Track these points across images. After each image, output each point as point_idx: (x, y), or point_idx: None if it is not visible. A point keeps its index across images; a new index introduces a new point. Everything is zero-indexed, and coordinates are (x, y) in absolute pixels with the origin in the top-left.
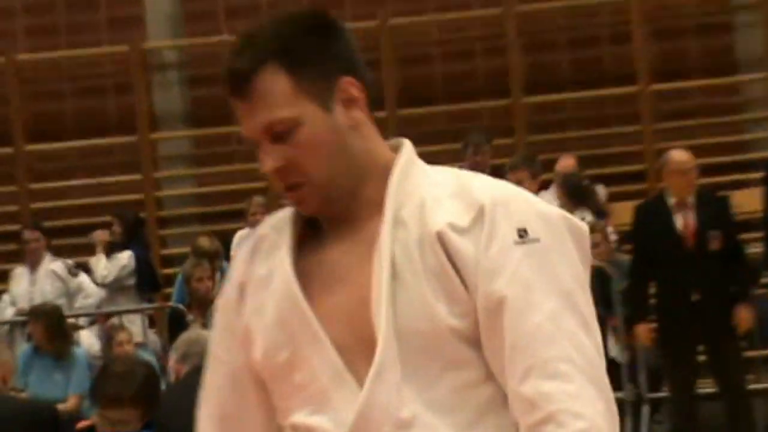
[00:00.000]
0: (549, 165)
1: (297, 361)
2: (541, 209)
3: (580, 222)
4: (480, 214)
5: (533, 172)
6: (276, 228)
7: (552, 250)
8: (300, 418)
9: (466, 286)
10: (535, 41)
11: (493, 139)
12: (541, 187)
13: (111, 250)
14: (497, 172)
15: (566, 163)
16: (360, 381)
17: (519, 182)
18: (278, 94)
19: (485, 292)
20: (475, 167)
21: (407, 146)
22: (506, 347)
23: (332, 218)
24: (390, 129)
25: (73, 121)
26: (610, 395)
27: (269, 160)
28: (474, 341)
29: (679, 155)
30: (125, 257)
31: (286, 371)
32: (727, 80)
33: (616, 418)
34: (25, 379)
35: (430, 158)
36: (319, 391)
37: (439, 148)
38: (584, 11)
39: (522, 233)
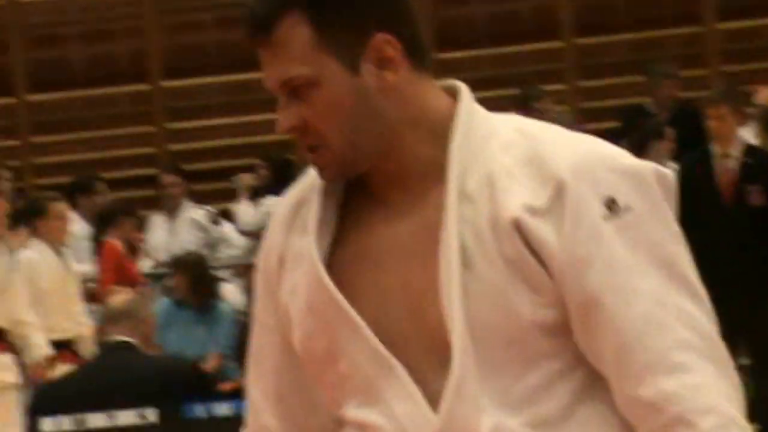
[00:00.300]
0: (745, 98)
1: (337, 351)
2: (628, 167)
3: (667, 170)
4: (560, 191)
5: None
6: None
7: (646, 215)
8: (350, 411)
9: (549, 274)
10: None
11: (681, 71)
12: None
13: (256, 195)
14: (688, 107)
15: (766, 95)
16: (415, 374)
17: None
18: (297, 47)
19: (577, 286)
20: (663, 102)
21: (465, 95)
22: (611, 347)
23: (378, 181)
24: (567, 60)
25: (214, 54)
26: (728, 362)
27: (284, 118)
28: (560, 330)
29: None
30: (272, 203)
31: (328, 360)
32: None
33: (739, 387)
34: (164, 335)
35: (611, 92)
36: (365, 382)
37: (620, 81)
38: None
39: (610, 204)
